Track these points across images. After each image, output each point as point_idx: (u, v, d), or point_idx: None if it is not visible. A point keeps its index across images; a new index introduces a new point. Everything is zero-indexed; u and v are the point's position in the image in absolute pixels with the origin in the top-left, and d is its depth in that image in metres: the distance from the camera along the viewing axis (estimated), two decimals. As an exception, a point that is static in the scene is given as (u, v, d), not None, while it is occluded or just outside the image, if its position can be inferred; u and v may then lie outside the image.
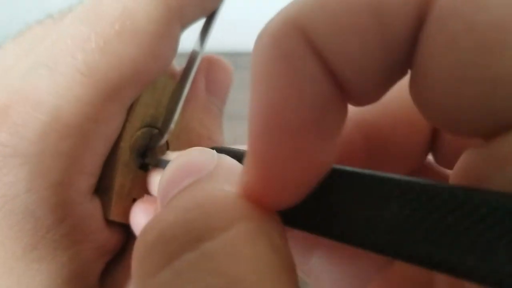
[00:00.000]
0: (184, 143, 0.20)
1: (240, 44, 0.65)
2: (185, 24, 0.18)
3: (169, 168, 0.12)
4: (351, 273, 0.14)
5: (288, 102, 0.09)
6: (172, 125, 0.19)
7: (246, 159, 0.10)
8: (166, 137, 0.19)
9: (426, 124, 0.13)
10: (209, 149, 0.12)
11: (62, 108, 0.15)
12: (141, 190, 0.19)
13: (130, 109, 0.18)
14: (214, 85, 0.21)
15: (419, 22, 0.08)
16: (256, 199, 0.10)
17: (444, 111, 0.08)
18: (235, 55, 0.67)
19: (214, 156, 0.11)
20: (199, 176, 0.11)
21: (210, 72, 0.21)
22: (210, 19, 0.19)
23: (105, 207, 0.18)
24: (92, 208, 0.17)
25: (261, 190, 0.10)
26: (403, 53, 0.09)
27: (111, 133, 0.17)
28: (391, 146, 0.13)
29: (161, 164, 0.18)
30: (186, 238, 0.09)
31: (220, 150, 0.12)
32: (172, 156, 0.18)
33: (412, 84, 0.09)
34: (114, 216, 0.18)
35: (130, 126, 0.18)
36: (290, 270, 0.09)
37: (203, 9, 0.18)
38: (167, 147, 0.20)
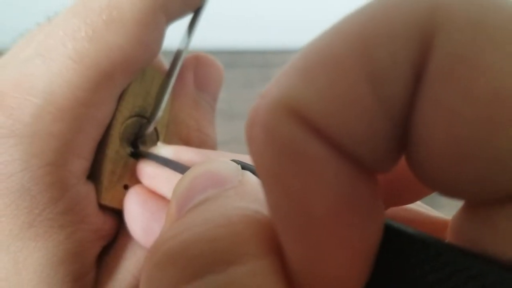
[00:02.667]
0: (174, 135, 0.21)
1: (241, 42, 0.65)
2: (170, 16, 0.19)
3: (191, 173, 0.11)
4: None
5: (312, 196, 0.08)
6: (160, 114, 0.20)
7: (290, 262, 0.08)
8: (153, 124, 0.20)
9: None
10: (233, 162, 0.11)
11: (55, 92, 0.16)
12: (132, 177, 0.20)
13: (120, 99, 0.19)
14: (203, 81, 0.22)
15: (417, 85, 0.07)
16: None
17: (439, 181, 0.08)
18: (237, 53, 0.68)
19: (239, 171, 0.11)
20: (223, 189, 0.10)
21: (198, 68, 0.22)
22: (196, 13, 0.20)
23: (98, 192, 0.19)
24: (86, 191, 0.18)
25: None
26: (406, 118, 0.08)
27: (102, 119, 0.18)
28: (400, 180, 0.12)
29: (150, 156, 0.19)
30: (212, 257, 0.08)
31: (242, 166, 0.12)
32: (162, 149, 0.19)
33: (407, 148, 0.08)
34: (106, 200, 0.19)
35: (119, 115, 0.19)
36: None
37: (187, 2, 0.19)
38: (157, 136, 0.21)
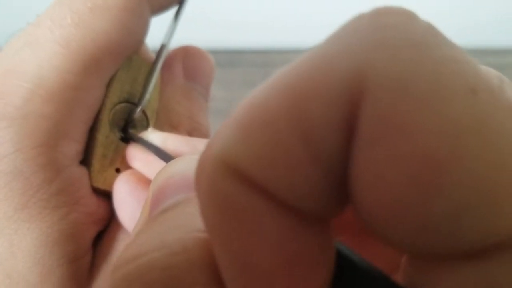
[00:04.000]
0: (164, 122, 0.22)
1: (241, 42, 0.65)
2: (154, 7, 0.19)
3: (167, 171, 0.11)
4: None
5: (254, 251, 0.08)
6: (147, 96, 0.20)
7: None
8: (140, 109, 0.20)
9: None
10: None
11: (44, 76, 0.17)
12: (124, 160, 0.20)
13: (108, 86, 0.20)
14: (193, 72, 0.23)
15: (349, 144, 0.07)
16: None
17: (381, 235, 0.08)
18: (238, 53, 0.67)
19: None
20: (191, 196, 0.10)
21: (187, 59, 0.23)
22: (181, 5, 0.21)
23: (90, 176, 0.19)
24: (79, 173, 0.18)
25: None
26: (342, 174, 0.08)
27: (91, 103, 0.19)
28: None
29: (139, 140, 0.20)
30: (166, 285, 0.08)
31: None
32: (151, 134, 0.20)
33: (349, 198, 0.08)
34: (99, 183, 0.19)
35: (108, 101, 0.20)
36: None
37: None
38: (147, 122, 0.21)
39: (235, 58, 0.63)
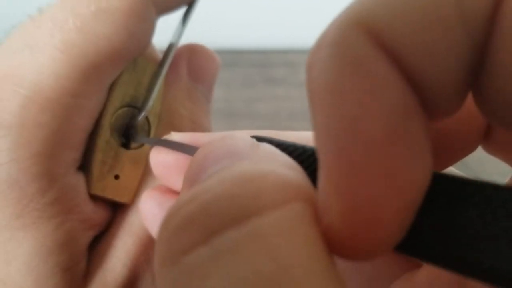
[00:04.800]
0: (166, 125, 0.21)
1: (241, 42, 0.65)
2: (161, 8, 0.19)
3: (204, 149, 0.11)
4: (371, 275, 0.14)
5: (367, 113, 0.07)
6: (151, 102, 0.20)
7: (324, 193, 0.08)
8: (145, 113, 0.20)
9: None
10: (248, 136, 0.11)
11: (42, 83, 0.16)
12: (124, 167, 0.20)
13: (111, 89, 0.19)
14: (197, 72, 0.22)
15: (498, 5, 0.07)
16: (346, 245, 0.08)
17: (505, 112, 0.07)
18: (238, 52, 0.67)
19: (253, 142, 0.10)
20: (237, 158, 0.10)
21: (192, 59, 0.22)
22: (190, 6, 0.20)
23: (88, 182, 0.19)
24: (76, 181, 0.18)
25: (353, 230, 0.08)
26: (484, 42, 0.07)
27: (91, 109, 0.18)
28: (442, 136, 0.12)
29: (163, 143, 0.18)
30: (233, 211, 0.08)
31: (258, 138, 0.11)
32: (175, 135, 0.18)
33: (478, 81, 0.08)
34: (97, 190, 0.19)
35: (110, 105, 0.19)
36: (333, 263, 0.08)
37: None
38: (149, 127, 0.20)
39: (235, 58, 0.63)
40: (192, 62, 0.22)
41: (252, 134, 0.12)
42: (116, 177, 0.19)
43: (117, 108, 0.19)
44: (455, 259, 0.08)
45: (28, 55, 0.17)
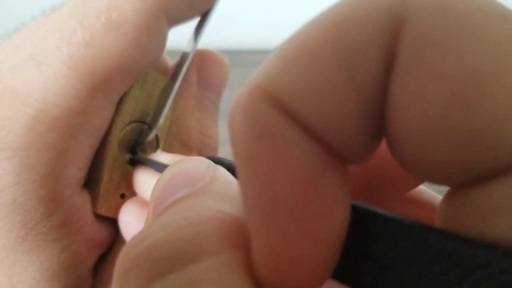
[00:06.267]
0: (174, 138, 0.20)
1: (240, 42, 0.65)
2: (172, 20, 0.18)
3: (164, 176, 0.11)
4: None
5: (277, 176, 0.08)
6: (161, 121, 0.19)
7: (253, 248, 0.09)
8: (154, 132, 0.19)
9: None
10: (206, 159, 0.12)
11: (49, 101, 0.16)
12: (130, 185, 0.19)
13: (120, 103, 0.18)
14: (207, 79, 0.21)
15: (390, 70, 0.08)
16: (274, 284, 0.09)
17: (419, 164, 0.08)
18: (238, 53, 0.67)
19: (210, 167, 0.11)
20: (193, 189, 0.10)
21: (203, 66, 0.21)
22: (204, 18, 0.19)
23: (94, 201, 0.18)
24: (82, 201, 0.17)
25: (278, 275, 0.09)
26: (381, 104, 0.08)
27: (99, 127, 0.17)
28: (390, 171, 0.12)
29: (149, 163, 0.18)
30: (173, 258, 0.09)
31: (215, 160, 0.12)
32: (162, 156, 0.18)
33: (386, 134, 0.08)
34: (102, 210, 0.18)
35: (119, 120, 0.18)
36: None
37: (192, 7, 0.18)
38: (157, 142, 0.20)
39: (235, 58, 0.63)
40: (202, 68, 0.21)
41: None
42: (122, 195, 0.19)
43: (126, 123, 0.18)
44: None
45: (35, 70, 0.16)
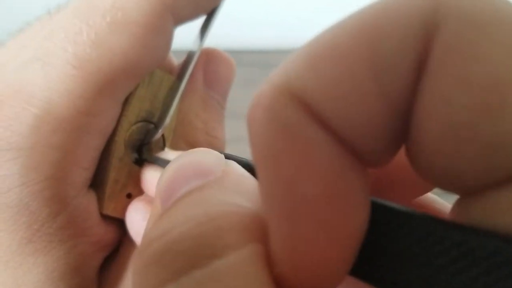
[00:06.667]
0: (180, 138, 0.20)
1: (244, 42, 0.65)
2: (178, 19, 0.17)
3: (173, 165, 0.11)
4: None
5: (301, 176, 0.08)
6: (168, 120, 0.18)
7: (273, 246, 0.09)
8: (161, 132, 0.19)
9: None
10: (215, 151, 0.11)
11: (54, 101, 0.15)
12: (136, 185, 0.19)
13: (126, 103, 0.18)
14: (213, 79, 0.21)
15: (418, 77, 0.08)
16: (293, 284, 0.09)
17: (437, 172, 0.08)
18: (238, 53, 0.67)
19: (222, 160, 0.11)
20: (206, 180, 0.10)
21: (208, 65, 0.21)
22: (210, 17, 0.19)
23: (100, 202, 0.18)
24: (87, 202, 0.17)
25: (300, 279, 0.09)
26: (407, 110, 0.08)
27: (105, 127, 0.17)
28: (400, 176, 0.12)
29: (157, 161, 0.18)
30: (196, 253, 0.09)
31: (226, 156, 0.11)
32: (169, 154, 0.18)
33: (407, 141, 0.08)
34: (108, 210, 0.18)
35: (125, 120, 0.18)
36: None
37: (198, 6, 0.18)
38: (164, 142, 0.19)
39: (235, 58, 0.63)
40: (208, 68, 0.21)
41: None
42: (129, 195, 0.18)
43: (132, 123, 0.18)
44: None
45: (39, 70, 0.16)
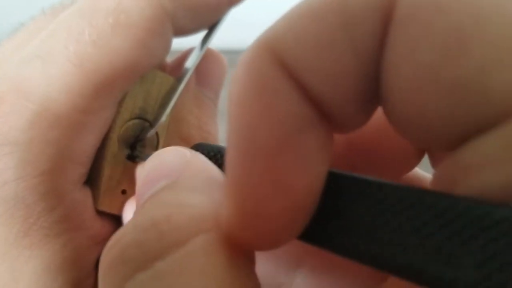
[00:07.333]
0: (174, 133, 0.20)
1: (240, 42, 0.65)
2: (178, 28, 0.18)
3: (144, 169, 0.12)
4: None
5: (262, 123, 0.08)
6: (164, 118, 0.19)
7: (225, 191, 0.09)
8: (155, 129, 0.19)
9: None
10: (182, 149, 0.12)
11: (52, 97, 0.16)
12: (131, 182, 0.19)
13: (120, 101, 0.18)
14: (205, 77, 0.21)
15: (385, 30, 0.08)
16: (241, 238, 0.09)
17: (412, 122, 0.08)
18: (234, 53, 0.67)
19: (185, 157, 0.11)
20: (169, 180, 0.11)
21: (201, 64, 0.21)
22: (211, 30, 0.20)
23: (95, 198, 0.18)
24: (83, 197, 0.18)
25: (245, 225, 0.09)
26: (376, 69, 0.09)
27: (101, 125, 0.17)
28: (375, 154, 0.13)
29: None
30: (140, 258, 0.09)
31: (199, 146, 0.12)
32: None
33: (381, 95, 0.09)
34: (103, 206, 0.18)
35: (119, 117, 0.18)
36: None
37: (197, 18, 0.19)
38: (157, 139, 0.20)
39: (235, 58, 0.63)
40: (200, 66, 0.21)
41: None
42: (123, 192, 0.19)
43: (126, 120, 0.18)
44: (355, 251, 0.09)
45: (40, 67, 0.16)
